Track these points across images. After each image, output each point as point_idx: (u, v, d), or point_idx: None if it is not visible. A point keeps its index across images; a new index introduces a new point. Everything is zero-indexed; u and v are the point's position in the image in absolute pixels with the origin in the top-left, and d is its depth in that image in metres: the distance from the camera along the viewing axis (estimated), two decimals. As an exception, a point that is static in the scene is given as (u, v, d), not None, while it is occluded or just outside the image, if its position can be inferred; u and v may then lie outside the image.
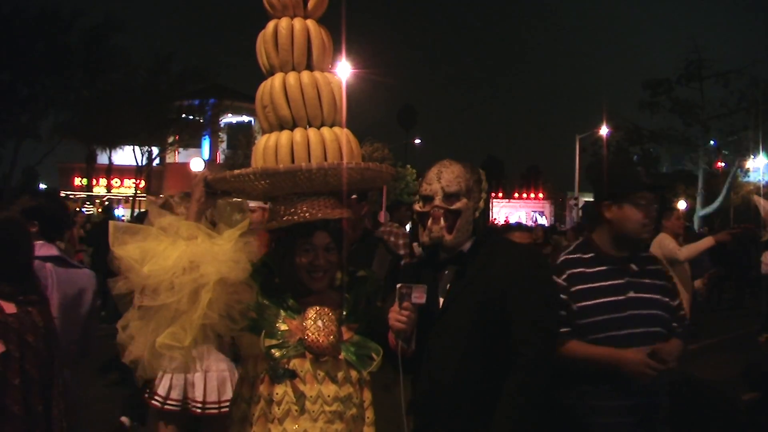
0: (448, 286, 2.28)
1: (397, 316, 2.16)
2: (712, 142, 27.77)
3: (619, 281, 2.48)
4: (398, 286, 2.17)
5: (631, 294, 2.46)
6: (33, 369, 2.38)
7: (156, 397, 3.26)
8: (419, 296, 2.15)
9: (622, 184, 2.52)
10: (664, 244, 6.35)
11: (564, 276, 2.50)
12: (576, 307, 2.44)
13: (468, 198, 2.25)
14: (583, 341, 2.43)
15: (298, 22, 2.31)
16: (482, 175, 2.35)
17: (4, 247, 2.47)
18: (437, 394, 2.20)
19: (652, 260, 2.64)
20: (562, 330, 2.39)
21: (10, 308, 2.41)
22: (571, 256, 2.57)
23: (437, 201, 2.25)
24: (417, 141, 49.78)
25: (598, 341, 2.42)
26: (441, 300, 2.28)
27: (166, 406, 3.24)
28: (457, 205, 2.23)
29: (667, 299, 2.53)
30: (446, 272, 2.31)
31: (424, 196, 2.30)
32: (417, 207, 2.34)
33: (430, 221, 2.26)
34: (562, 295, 2.45)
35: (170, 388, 3.25)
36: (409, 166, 35.54)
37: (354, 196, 2.76)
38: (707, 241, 6.50)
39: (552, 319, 2.27)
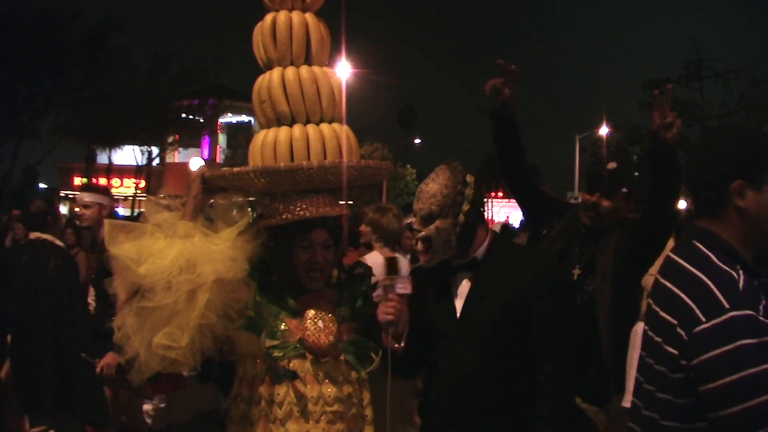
0: (467, 291, 2.25)
1: (383, 308, 2.15)
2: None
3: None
4: (382, 279, 2.17)
5: None
6: None
7: None
8: (404, 287, 2.13)
9: (766, 156, 1.65)
10: None
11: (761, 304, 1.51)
12: None
13: (443, 217, 2.19)
14: None
15: (296, 16, 2.28)
16: (471, 181, 2.25)
17: None
18: (458, 396, 2.18)
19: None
20: None
21: None
22: (738, 276, 1.54)
23: (415, 223, 2.26)
24: (417, 141, 49.79)
25: None
26: (458, 305, 2.25)
27: None
28: (425, 232, 2.21)
29: None
30: (459, 278, 2.28)
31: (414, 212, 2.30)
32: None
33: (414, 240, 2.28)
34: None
35: None
36: (409, 166, 35.56)
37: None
38: None
39: (572, 326, 2.23)
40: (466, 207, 2.22)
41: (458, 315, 2.24)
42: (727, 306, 1.47)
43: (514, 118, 2.79)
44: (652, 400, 1.64)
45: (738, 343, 1.43)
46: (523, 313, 2.16)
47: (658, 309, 1.65)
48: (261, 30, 2.31)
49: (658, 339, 1.62)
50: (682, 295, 1.56)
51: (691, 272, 1.58)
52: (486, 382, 2.16)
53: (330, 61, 2.41)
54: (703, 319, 1.48)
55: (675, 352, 1.55)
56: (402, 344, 2.16)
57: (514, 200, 3.07)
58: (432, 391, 2.29)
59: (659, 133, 2.38)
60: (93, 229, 4.38)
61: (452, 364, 2.20)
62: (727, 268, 1.55)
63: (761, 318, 1.46)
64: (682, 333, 1.53)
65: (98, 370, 3.82)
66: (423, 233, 2.22)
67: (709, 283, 1.52)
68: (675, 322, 1.56)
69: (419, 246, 2.25)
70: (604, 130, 29.48)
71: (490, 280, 2.22)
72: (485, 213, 2.46)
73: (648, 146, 2.48)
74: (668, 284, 1.63)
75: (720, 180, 1.63)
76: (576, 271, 2.74)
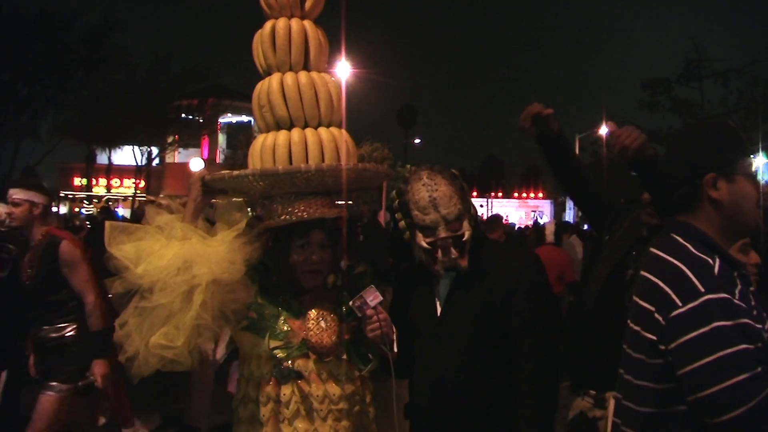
0: (447, 291, 2.25)
1: (368, 328, 2.14)
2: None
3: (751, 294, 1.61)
4: (350, 303, 2.13)
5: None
6: None
7: None
8: (374, 297, 2.11)
9: (733, 149, 1.68)
10: None
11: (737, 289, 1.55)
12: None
13: (468, 214, 2.21)
14: None
15: (295, 23, 2.32)
16: (459, 176, 2.28)
17: None
18: (440, 396, 2.20)
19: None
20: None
21: None
22: (714, 262, 1.59)
23: (442, 232, 2.16)
24: (417, 141, 49.73)
25: None
26: (438, 305, 2.26)
27: None
28: (464, 231, 2.17)
29: None
30: (442, 278, 2.27)
31: (424, 227, 2.18)
32: (422, 242, 2.19)
33: (439, 253, 2.17)
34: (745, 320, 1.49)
35: None
36: (409, 165, 35.53)
37: None
38: None
39: (552, 325, 2.24)
40: (468, 197, 2.26)
41: (438, 315, 2.25)
42: (702, 290, 1.49)
43: (560, 136, 2.68)
44: (629, 389, 1.66)
45: (713, 324, 1.45)
46: (503, 312, 2.16)
47: (637, 299, 1.67)
48: (260, 37, 2.34)
49: (637, 328, 1.65)
50: (659, 282, 1.58)
51: (668, 260, 1.61)
52: (466, 382, 2.16)
53: (329, 62, 2.44)
54: (680, 304, 1.50)
55: (653, 337, 1.58)
56: (395, 349, 2.18)
57: (583, 213, 2.97)
58: (415, 391, 2.30)
59: (623, 155, 2.37)
60: (25, 230, 3.73)
61: (433, 364, 2.22)
62: (702, 255, 1.57)
63: (736, 301, 1.48)
64: (660, 318, 1.55)
65: (100, 384, 3.56)
66: (467, 233, 2.17)
67: (685, 269, 1.55)
68: (652, 308, 1.58)
69: (453, 252, 2.16)
70: (604, 130, 29.49)
71: (470, 280, 2.22)
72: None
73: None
74: (647, 275, 1.66)
75: (693, 173, 1.65)
76: (630, 272, 2.64)
